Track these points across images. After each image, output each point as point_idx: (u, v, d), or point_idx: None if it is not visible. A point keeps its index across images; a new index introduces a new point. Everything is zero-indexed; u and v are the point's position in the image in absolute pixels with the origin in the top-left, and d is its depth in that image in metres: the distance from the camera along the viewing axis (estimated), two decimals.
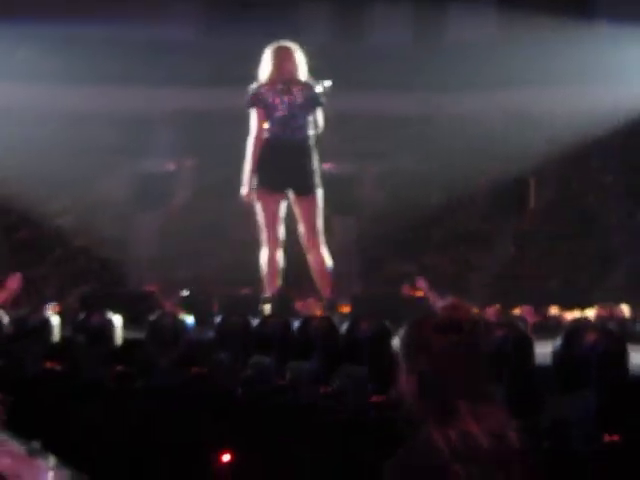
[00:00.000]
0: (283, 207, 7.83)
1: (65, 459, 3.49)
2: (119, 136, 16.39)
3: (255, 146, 7.74)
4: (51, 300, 10.44)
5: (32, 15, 15.73)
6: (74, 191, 14.75)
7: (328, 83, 7.96)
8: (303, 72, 7.84)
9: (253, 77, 7.99)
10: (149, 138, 16.83)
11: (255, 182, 7.75)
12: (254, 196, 7.79)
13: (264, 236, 7.86)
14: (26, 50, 16.41)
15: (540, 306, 11.64)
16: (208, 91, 16.83)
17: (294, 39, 8.08)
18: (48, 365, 6.80)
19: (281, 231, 7.83)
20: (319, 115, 7.80)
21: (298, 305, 10.03)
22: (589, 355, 4.87)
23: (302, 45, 7.96)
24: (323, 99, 7.78)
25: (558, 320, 10.24)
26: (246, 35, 15.88)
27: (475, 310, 2.99)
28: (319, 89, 7.80)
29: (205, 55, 17.00)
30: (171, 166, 16.51)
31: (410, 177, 15.40)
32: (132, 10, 16.37)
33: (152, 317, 7.12)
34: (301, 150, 7.75)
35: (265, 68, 7.85)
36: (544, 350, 5.41)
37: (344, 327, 6.30)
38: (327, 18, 17.61)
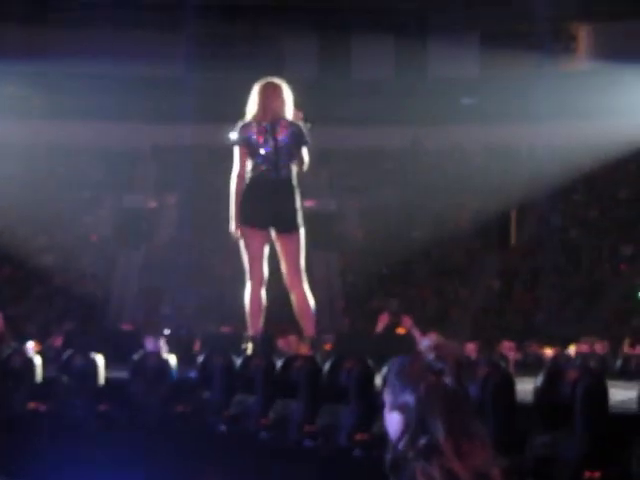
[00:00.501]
0: (266, 245, 7.86)
1: None
2: (102, 171, 16.46)
3: (238, 184, 7.80)
4: (33, 338, 10.44)
5: (20, 52, 15.83)
6: (56, 228, 14.76)
7: (309, 126, 8.02)
8: (290, 109, 7.89)
9: (238, 114, 8.04)
10: (133, 174, 16.88)
11: (239, 219, 7.79)
12: (239, 233, 7.84)
13: (247, 273, 7.87)
14: (13, 86, 16.49)
15: (523, 341, 11.69)
16: (194, 127, 16.91)
17: (279, 75, 8.13)
18: (32, 405, 6.82)
19: (264, 269, 7.85)
20: (305, 153, 7.85)
21: (280, 342, 10.04)
22: (571, 393, 4.92)
23: (287, 81, 8.02)
24: (308, 138, 7.84)
25: (539, 356, 10.28)
26: (233, 71, 16.00)
27: (458, 348, 3.03)
28: (305, 128, 7.85)
29: (191, 92, 17.09)
30: (153, 203, 16.55)
31: (392, 212, 15.49)
32: (120, 47, 16.48)
33: (135, 356, 7.15)
34: (284, 188, 7.77)
35: (252, 104, 7.87)
36: (526, 387, 5.46)
37: (327, 366, 6.33)
38: (311, 54, 17.75)
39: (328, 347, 8.57)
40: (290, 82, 7.98)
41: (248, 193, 7.69)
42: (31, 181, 14.66)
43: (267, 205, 7.64)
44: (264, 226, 7.69)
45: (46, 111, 16.19)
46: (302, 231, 7.72)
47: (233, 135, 7.67)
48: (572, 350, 10.37)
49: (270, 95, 7.74)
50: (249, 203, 7.68)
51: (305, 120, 7.84)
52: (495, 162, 15.42)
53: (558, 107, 15.69)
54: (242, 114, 7.91)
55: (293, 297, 7.78)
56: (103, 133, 16.50)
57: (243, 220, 7.67)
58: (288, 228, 7.69)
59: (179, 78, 17.60)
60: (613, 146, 15.39)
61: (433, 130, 16.15)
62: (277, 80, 7.78)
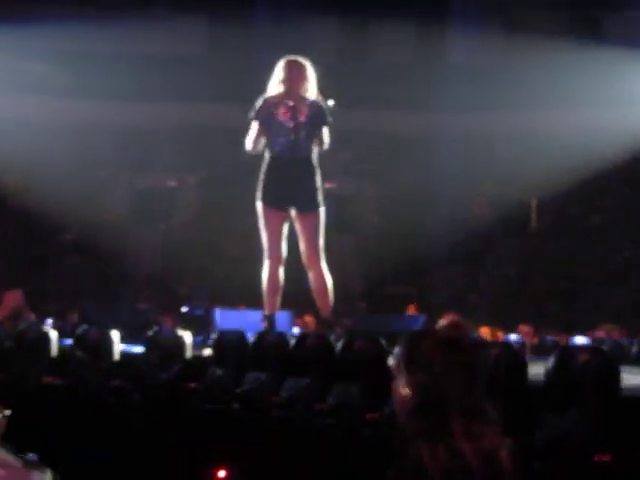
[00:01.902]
0: (285, 224, 7.87)
1: (62, 472, 3.55)
2: (122, 151, 16.49)
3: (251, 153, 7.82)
4: (51, 315, 10.51)
5: (39, 29, 15.86)
6: (74, 207, 14.81)
7: (331, 103, 8.01)
8: (313, 89, 7.88)
9: (258, 93, 8.04)
10: (152, 153, 16.90)
11: (258, 197, 7.81)
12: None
13: (266, 253, 7.88)
14: (34, 63, 16.53)
15: (540, 327, 11.69)
16: (213, 107, 16.91)
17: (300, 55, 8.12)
18: (47, 379, 6.88)
19: (283, 248, 7.86)
20: (325, 133, 7.85)
21: (296, 322, 10.08)
22: (581, 374, 4.92)
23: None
24: (330, 118, 7.84)
25: (556, 342, 10.27)
26: (252, 51, 15.99)
27: (472, 328, 3.04)
28: (327, 108, 7.84)
29: (211, 71, 17.09)
30: (172, 182, 16.58)
31: (410, 197, 15.46)
32: (139, 26, 16.48)
33: (150, 332, 7.20)
34: (305, 168, 7.78)
35: (275, 82, 7.86)
36: (540, 370, 5.46)
37: (339, 345, 6.35)
38: (331, 36, 17.72)
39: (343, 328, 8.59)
40: (311, 63, 7.97)
41: (268, 172, 7.71)
42: (50, 160, 14.69)
43: (287, 185, 7.66)
44: (284, 205, 7.71)
45: (65, 89, 16.20)
46: (322, 210, 7.74)
47: (254, 110, 7.68)
48: (588, 336, 10.37)
49: (294, 73, 7.74)
50: (269, 182, 7.70)
51: (328, 99, 7.85)
52: (515, 149, 15.36)
53: (581, 94, 15.58)
54: (262, 94, 7.92)
55: (311, 276, 7.80)
56: (122, 112, 16.51)
57: (263, 199, 7.69)
58: (308, 207, 7.71)
59: (198, 57, 17.58)
60: (635, 133, 15.30)
61: (451, 116, 16.08)
62: (301, 59, 7.77)
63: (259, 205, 7.78)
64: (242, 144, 7.89)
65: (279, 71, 7.84)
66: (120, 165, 16.57)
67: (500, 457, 2.97)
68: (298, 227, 7.82)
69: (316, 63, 8.05)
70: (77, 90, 16.28)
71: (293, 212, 7.80)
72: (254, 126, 7.76)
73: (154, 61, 16.91)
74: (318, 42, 16.74)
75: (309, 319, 10.44)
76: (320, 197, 7.79)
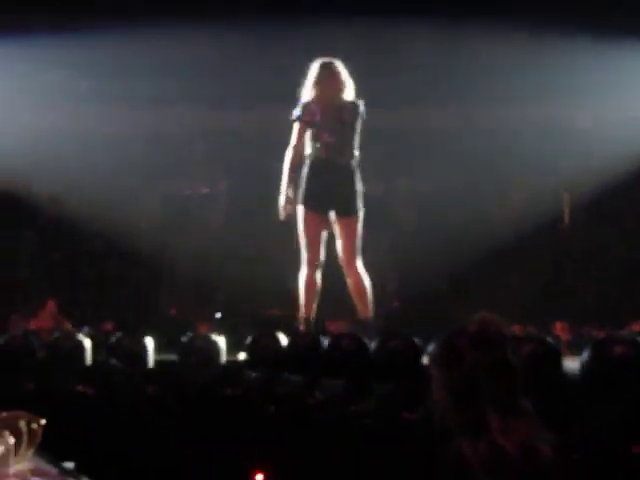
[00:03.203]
0: (325, 229, 7.87)
1: None
2: (153, 157, 16.54)
3: (293, 158, 7.80)
4: (86, 324, 10.56)
5: (67, 39, 15.93)
6: (108, 214, 14.88)
7: (361, 102, 8.02)
8: (350, 90, 7.89)
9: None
10: (183, 159, 16.95)
11: (299, 200, 7.82)
12: (290, 209, 7.85)
13: (304, 257, 7.87)
14: (62, 71, 16.61)
15: (576, 323, 11.61)
16: (244, 111, 16.94)
17: (329, 56, 8.12)
18: (80, 388, 6.92)
19: (321, 253, 7.86)
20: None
21: (330, 326, 10.07)
22: (617, 367, 4.90)
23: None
24: (365, 116, 7.86)
25: (592, 338, 10.20)
26: (279, 54, 16.00)
27: (505, 323, 3.05)
28: (364, 109, 7.86)
29: (238, 75, 17.12)
30: (204, 188, 16.62)
31: (442, 194, 15.40)
32: (170, 33, 16.52)
33: (184, 339, 7.23)
34: (346, 172, 7.79)
35: (314, 85, 7.86)
36: (577, 366, 5.44)
37: (373, 345, 6.35)
38: (359, 35, 17.69)
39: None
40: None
41: (310, 176, 7.73)
42: (83, 167, 14.80)
43: (329, 189, 7.68)
44: (325, 210, 7.72)
45: (96, 97, 16.28)
46: (361, 214, 7.75)
47: (297, 112, 7.68)
48: (625, 330, 10.29)
49: (332, 76, 7.76)
50: (311, 186, 7.72)
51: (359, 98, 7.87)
52: (549, 142, 15.27)
53: (614, 86, 15.45)
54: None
55: (349, 279, 7.81)
56: (152, 119, 16.59)
57: (304, 203, 7.70)
58: (348, 211, 7.72)
59: (228, 62, 17.62)
60: None
61: (484, 110, 16.01)
62: (335, 60, 7.78)
63: (300, 209, 7.78)
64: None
65: (314, 74, 7.84)
66: (152, 172, 16.63)
67: (541, 451, 2.97)
68: (337, 230, 7.82)
69: (345, 62, 8.04)
70: (106, 97, 16.35)
71: (332, 215, 7.80)
72: (296, 127, 7.76)
73: (181, 66, 16.95)
74: (346, 41, 16.74)
75: (342, 323, 10.44)
76: (360, 201, 7.79)
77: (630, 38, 15.63)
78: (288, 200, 7.84)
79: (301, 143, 7.79)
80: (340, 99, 7.83)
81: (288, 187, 7.83)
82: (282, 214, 7.89)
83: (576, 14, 16.45)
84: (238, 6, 17.61)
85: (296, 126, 7.76)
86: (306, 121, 7.71)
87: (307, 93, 7.88)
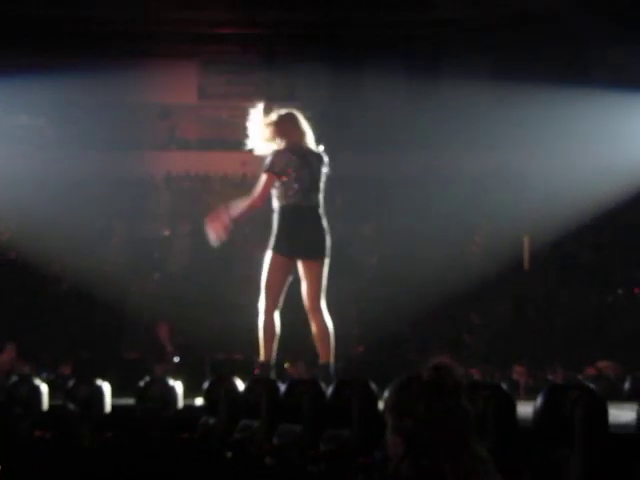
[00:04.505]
0: (291, 275, 7.91)
1: None
2: (116, 201, 16.52)
3: (251, 205, 7.83)
4: (45, 367, 10.50)
5: (32, 82, 15.94)
6: (70, 257, 14.83)
7: (321, 148, 8.11)
8: (311, 138, 8.00)
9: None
10: (146, 202, 16.95)
11: (269, 246, 7.86)
12: (223, 235, 7.87)
13: (265, 301, 7.90)
14: (28, 115, 16.61)
15: (536, 366, 11.66)
16: (207, 155, 16.99)
17: (291, 102, 8.22)
18: (37, 433, 6.85)
19: (282, 297, 7.90)
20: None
21: (290, 369, 10.07)
22: (570, 413, 4.91)
23: (299, 108, 8.12)
24: (328, 166, 7.96)
25: (550, 381, 10.25)
26: (244, 99, 16.08)
27: (460, 370, 3.02)
28: (327, 159, 7.97)
29: (203, 118, 17.19)
30: (167, 231, 16.61)
31: (405, 238, 15.48)
32: (132, 76, 16.57)
33: (141, 383, 7.19)
34: (315, 216, 7.87)
35: (280, 132, 7.95)
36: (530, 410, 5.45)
37: (330, 390, 6.34)
38: (323, 81, 17.81)
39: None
40: (302, 109, 8.08)
41: (283, 223, 7.79)
42: (46, 211, 14.75)
43: (298, 234, 7.74)
44: (294, 254, 7.77)
45: (59, 141, 16.28)
46: (328, 259, 7.80)
47: (267, 162, 7.74)
48: (582, 374, 10.35)
49: (297, 124, 7.88)
50: (282, 232, 7.77)
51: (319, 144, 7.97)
52: (508, 187, 15.40)
53: (573, 131, 15.66)
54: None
55: (312, 322, 7.83)
56: (116, 162, 16.59)
57: (275, 248, 7.76)
58: (315, 255, 7.78)
59: (191, 106, 17.68)
60: (628, 170, 15.37)
61: (446, 156, 16.15)
62: (294, 110, 7.91)
63: (269, 254, 7.83)
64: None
65: (279, 124, 7.93)
66: (115, 215, 16.61)
67: None
68: (303, 272, 7.86)
69: (308, 108, 8.14)
70: (69, 141, 16.36)
71: (300, 259, 7.85)
72: (264, 177, 7.81)
73: (145, 110, 17.01)
74: (310, 87, 16.84)
75: (300, 365, 10.44)
76: (327, 245, 7.85)
77: (594, 88, 15.88)
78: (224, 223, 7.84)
79: (266, 194, 7.84)
80: (304, 147, 7.93)
81: (230, 213, 7.83)
82: (216, 238, 7.90)
83: (538, 64, 16.70)
84: (200, 50, 17.77)
85: (264, 177, 7.81)
86: (276, 172, 7.78)
87: (275, 140, 7.95)
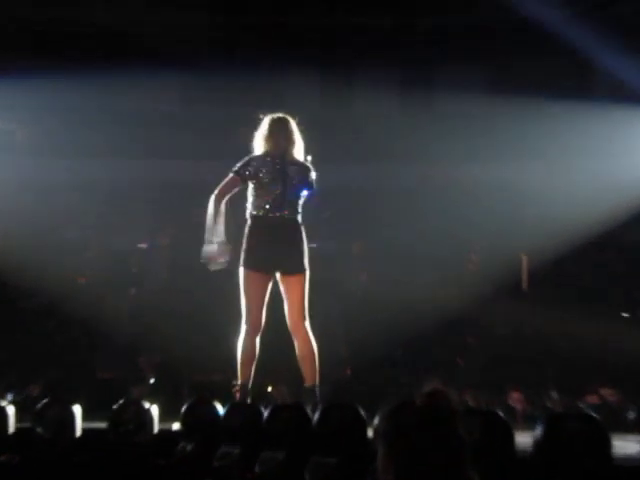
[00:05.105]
0: (269, 291, 7.88)
1: None
2: (90, 211, 16.46)
3: (217, 203, 7.81)
4: (12, 388, 10.43)
5: (6, 85, 15.90)
6: (42, 270, 14.74)
7: (309, 158, 8.10)
8: (300, 149, 7.98)
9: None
10: (123, 213, 16.88)
11: (242, 260, 7.83)
12: (221, 257, 7.84)
13: (245, 319, 7.87)
14: (2, 120, 16.55)
15: (534, 393, 11.63)
16: (189, 164, 16.95)
17: (280, 109, 8.21)
18: (3, 458, 6.79)
19: (263, 316, 7.86)
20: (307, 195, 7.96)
21: (272, 392, 10.02)
22: (571, 443, 4.89)
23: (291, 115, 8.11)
24: (315, 184, 7.95)
25: (549, 409, 10.23)
26: (231, 106, 16.06)
27: (455, 396, 2.97)
28: (313, 173, 7.95)
29: (187, 127, 17.15)
30: (144, 244, 16.54)
31: (396, 255, 15.44)
32: (110, 82, 16.54)
33: (115, 406, 7.13)
34: (291, 229, 7.84)
35: (262, 139, 7.95)
36: (529, 440, 5.42)
37: (316, 416, 6.30)
38: (313, 90, 17.81)
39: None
40: (291, 116, 8.07)
41: (255, 235, 7.77)
42: (12, 220, 14.66)
43: (274, 248, 7.72)
44: (270, 270, 7.73)
45: (32, 147, 16.22)
46: (307, 273, 7.78)
47: (238, 165, 7.73)
48: (583, 402, 10.33)
49: (283, 131, 7.86)
50: (256, 246, 7.75)
51: (308, 153, 7.96)
52: (505, 203, 15.39)
53: (574, 145, 15.69)
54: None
55: (296, 342, 7.81)
56: (91, 170, 16.52)
57: (246, 263, 7.73)
58: (295, 269, 7.74)
59: (174, 113, 17.66)
60: (632, 186, 15.40)
61: (440, 168, 16.14)
62: (288, 116, 7.90)
63: (242, 269, 7.79)
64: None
65: (266, 129, 7.93)
66: (89, 226, 16.54)
67: None
68: (284, 290, 7.83)
69: (297, 117, 8.13)
70: (42, 148, 16.30)
71: (278, 275, 7.81)
72: (230, 178, 7.80)
73: (124, 116, 16.95)
74: (300, 96, 16.82)
75: (283, 388, 10.40)
76: (306, 259, 7.82)
77: (596, 101, 15.91)
78: (219, 247, 7.82)
79: (227, 192, 7.84)
80: (290, 155, 7.91)
81: (214, 234, 7.82)
82: (213, 263, 7.89)
83: (537, 75, 16.73)
84: (190, 56, 17.72)
85: (230, 177, 7.82)
86: (242, 175, 7.77)
87: (258, 147, 7.98)
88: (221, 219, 7.77)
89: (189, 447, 6.65)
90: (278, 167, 7.81)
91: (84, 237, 16.25)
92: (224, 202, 7.81)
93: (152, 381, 9.86)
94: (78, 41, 16.80)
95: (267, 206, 7.79)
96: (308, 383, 7.89)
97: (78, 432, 7.04)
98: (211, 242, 7.79)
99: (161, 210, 16.75)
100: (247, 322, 7.85)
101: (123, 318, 14.14)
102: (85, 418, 7.21)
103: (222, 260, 7.84)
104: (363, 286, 15.95)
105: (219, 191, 7.83)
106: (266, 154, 7.90)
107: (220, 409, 6.92)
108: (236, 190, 7.90)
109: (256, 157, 7.90)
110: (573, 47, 15.69)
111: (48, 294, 14.70)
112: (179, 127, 17.28)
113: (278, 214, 7.80)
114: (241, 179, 7.81)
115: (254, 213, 7.82)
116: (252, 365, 7.89)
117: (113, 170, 16.69)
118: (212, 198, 7.84)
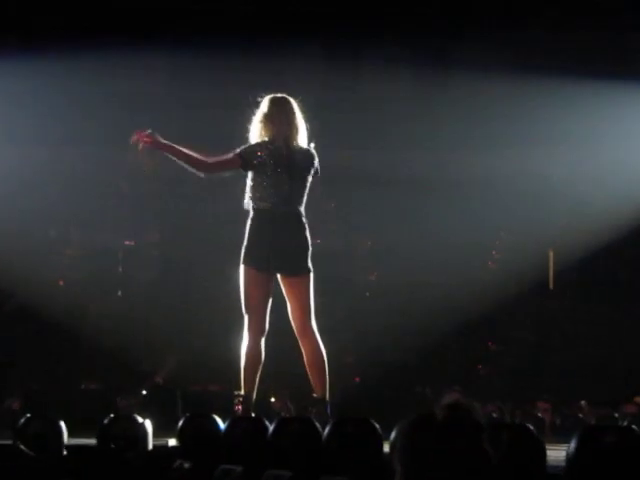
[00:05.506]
0: (272, 292, 7.88)
1: None
2: (72, 206, 16.43)
3: (198, 161, 7.82)
4: None
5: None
6: (20, 270, 14.74)
7: (312, 145, 8.09)
8: (303, 132, 7.96)
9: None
10: (107, 207, 16.85)
11: (242, 259, 7.83)
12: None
13: (247, 323, 7.86)
14: None
15: (563, 402, 11.65)
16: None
17: (279, 90, 8.19)
18: None
19: (266, 319, 7.86)
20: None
21: (275, 404, 10.05)
22: (608, 459, 4.88)
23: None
24: (319, 168, 7.95)
25: (580, 420, 10.24)
26: (225, 87, 16.04)
27: (479, 408, 2.98)
28: (317, 161, 7.94)
29: (175, 110, 17.12)
30: (130, 241, 16.51)
31: (409, 251, 15.41)
32: (94, 65, 16.52)
33: (105, 421, 7.14)
34: (295, 224, 7.83)
35: (263, 122, 7.93)
36: (562, 454, 5.43)
37: (326, 430, 6.31)
38: (316, 70, 17.79)
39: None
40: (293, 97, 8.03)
41: (255, 230, 7.75)
42: None
43: (276, 245, 7.69)
44: (273, 269, 7.72)
45: (6, 135, 16.19)
46: (311, 275, 7.77)
47: (242, 153, 7.70)
48: (618, 412, 10.35)
49: (285, 115, 7.82)
50: (256, 242, 7.74)
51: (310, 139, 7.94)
52: (529, 193, 15.33)
53: (606, 129, 15.64)
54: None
55: (303, 348, 7.80)
56: (73, 161, 16.47)
57: (249, 261, 7.72)
58: (297, 271, 7.73)
59: (161, 95, 17.63)
60: None
61: (456, 156, 16.09)
62: (289, 97, 7.86)
63: (242, 268, 7.79)
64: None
65: (264, 110, 7.90)
66: (71, 221, 16.51)
67: None
68: (287, 292, 7.82)
69: (297, 97, 8.11)
70: (18, 135, 16.28)
71: (279, 276, 7.81)
72: (232, 157, 7.78)
73: (108, 98, 16.94)
74: (302, 76, 16.81)
75: (287, 400, 10.43)
76: (310, 257, 7.83)
77: (632, 79, 15.88)
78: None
79: (218, 164, 7.85)
80: (294, 142, 7.89)
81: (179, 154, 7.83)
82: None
83: (565, 52, 16.69)
84: (187, 38, 17.70)
85: (231, 156, 7.81)
86: (247, 160, 7.76)
87: (255, 131, 7.93)
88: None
89: (186, 465, 6.66)
90: (284, 155, 7.80)
91: (67, 234, 16.25)
92: (203, 158, 7.80)
93: (144, 392, 9.87)
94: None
95: (272, 199, 7.78)
96: (318, 394, 7.88)
97: (64, 449, 7.05)
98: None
99: (150, 203, 16.71)
100: (249, 326, 7.84)
101: (109, 322, 14.14)
102: (71, 434, 7.21)
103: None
104: (372, 286, 15.96)
105: (215, 160, 7.83)
106: (269, 141, 7.87)
107: (220, 423, 6.93)
108: (227, 172, 7.91)
109: (260, 144, 7.87)
110: (607, 21, 15.67)
111: (26, 297, 14.73)
112: (166, 111, 17.25)
113: (283, 209, 7.79)
114: (243, 163, 7.79)
115: (258, 206, 7.80)
116: (257, 374, 7.88)
117: (97, 160, 16.66)
118: (202, 158, 7.84)
